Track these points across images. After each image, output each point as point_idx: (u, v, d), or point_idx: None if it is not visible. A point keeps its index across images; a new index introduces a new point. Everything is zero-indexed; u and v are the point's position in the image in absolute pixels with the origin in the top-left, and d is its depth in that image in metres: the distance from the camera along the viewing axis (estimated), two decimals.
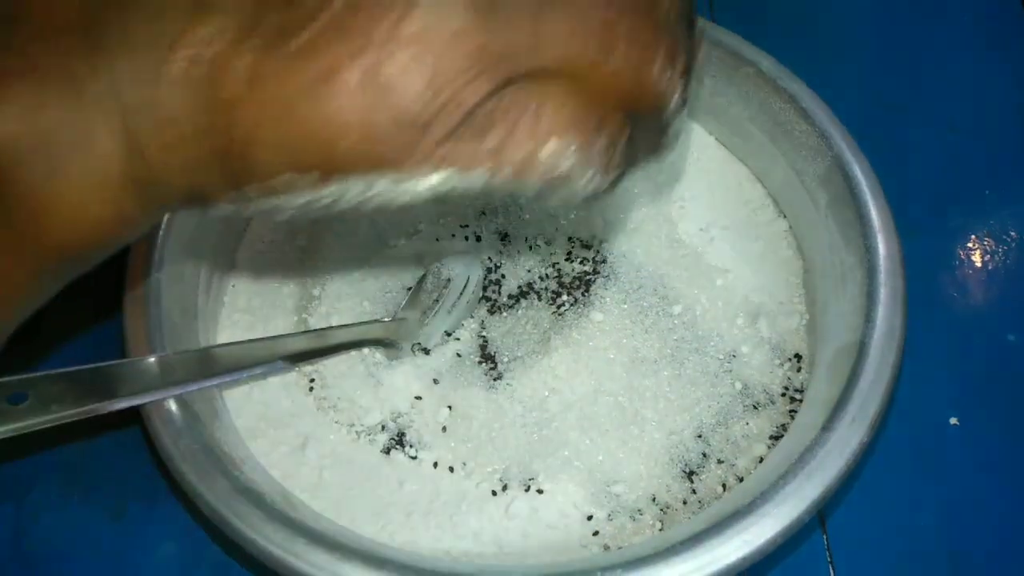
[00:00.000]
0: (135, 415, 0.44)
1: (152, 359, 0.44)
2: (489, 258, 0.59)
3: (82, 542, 0.51)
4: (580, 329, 0.53)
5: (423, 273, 0.56)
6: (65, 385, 0.41)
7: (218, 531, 0.42)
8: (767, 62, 0.56)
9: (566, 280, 0.57)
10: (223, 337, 0.55)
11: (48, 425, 0.40)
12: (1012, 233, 0.62)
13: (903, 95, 0.69)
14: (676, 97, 0.31)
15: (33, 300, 0.33)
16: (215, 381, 0.46)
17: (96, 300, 0.54)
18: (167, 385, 0.43)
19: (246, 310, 0.56)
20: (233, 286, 0.57)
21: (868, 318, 0.45)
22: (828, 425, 0.42)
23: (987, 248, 0.61)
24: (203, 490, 0.41)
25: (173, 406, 0.44)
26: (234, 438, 0.47)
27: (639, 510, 0.48)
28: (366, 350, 0.53)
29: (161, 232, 0.50)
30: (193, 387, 0.45)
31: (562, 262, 0.58)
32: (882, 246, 0.48)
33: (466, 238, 0.60)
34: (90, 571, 0.50)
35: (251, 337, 0.54)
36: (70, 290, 0.34)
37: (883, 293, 0.46)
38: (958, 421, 0.54)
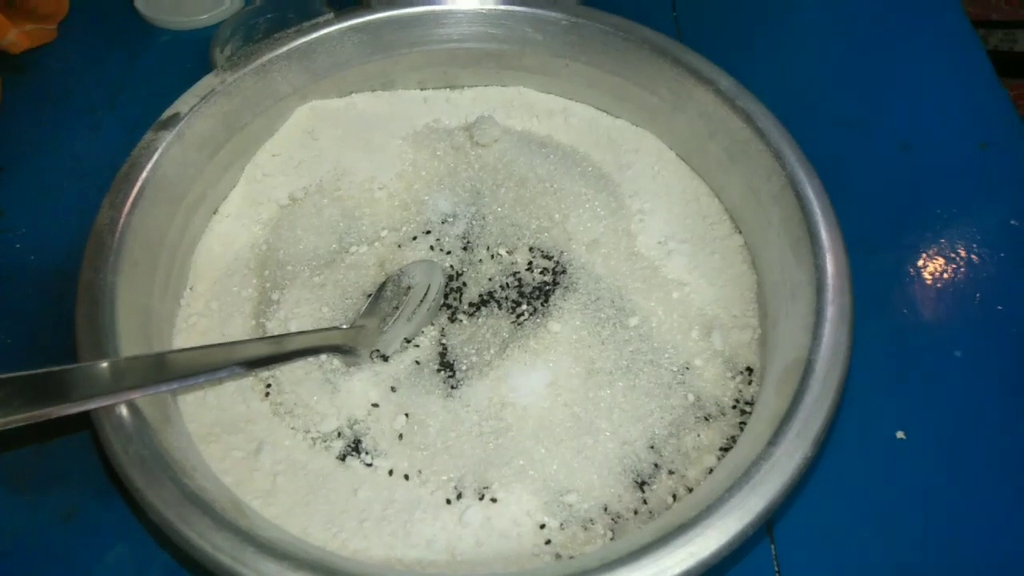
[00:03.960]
0: (87, 418, 0.44)
1: (104, 364, 0.44)
2: (451, 266, 0.59)
3: (31, 543, 0.50)
4: (538, 339, 0.53)
5: (384, 280, 0.57)
6: (12, 389, 0.40)
7: (167, 537, 0.41)
8: (726, 81, 0.57)
9: (526, 290, 0.58)
10: (179, 341, 0.54)
11: None
12: (961, 251, 0.64)
13: (859, 114, 0.71)
14: None
15: None
16: (169, 386, 0.46)
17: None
18: (119, 390, 0.43)
19: (203, 313, 0.56)
20: (191, 289, 0.57)
21: (815, 335, 0.47)
22: (774, 440, 0.43)
23: (936, 265, 0.63)
24: (151, 497, 0.41)
25: (124, 411, 0.43)
26: (186, 444, 0.46)
27: (591, 519, 0.49)
28: (324, 356, 0.53)
29: (117, 233, 0.50)
30: (145, 392, 0.44)
31: (523, 272, 0.59)
32: (831, 265, 0.49)
33: (431, 248, 0.60)
34: (40, 572, 0.50)
35: (207, 341, 0.54)
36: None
37: (830, 311, 0.47)
38: (905, 435, 0.55)
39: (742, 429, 0.51)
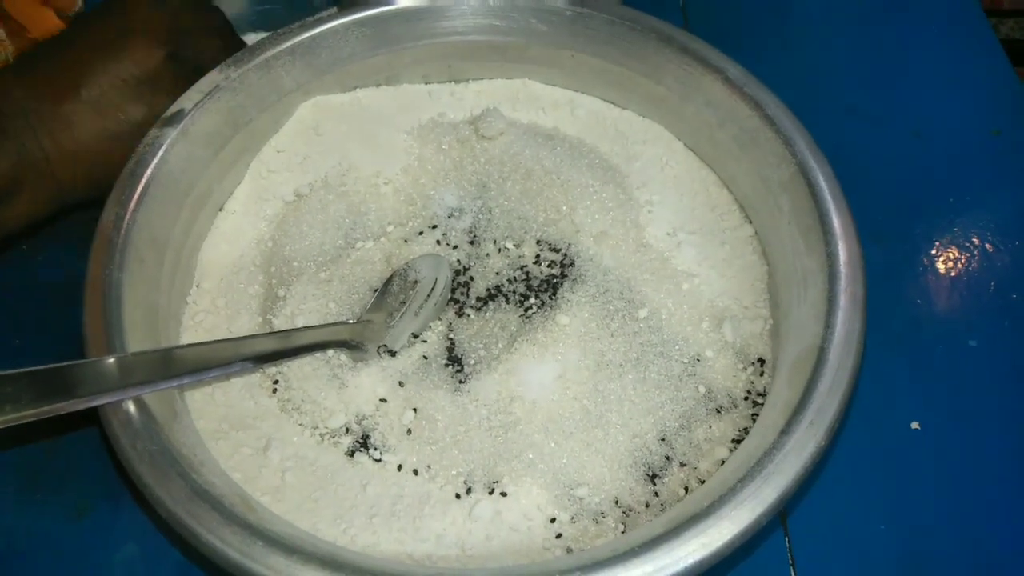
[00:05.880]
0: (95, 414, 0.44)
1: (111, 360, 0.44)
2: (458, 260, 0.59)
3: (43, 541, 0.50)
4: (546, 332, 0.53)
5: (390, 275, 0.56)
6: (21, 385, 0.40)
7: (177, 534, 0.41)
8: (734, 70, 0.57)
9: (534, 283, 0.57)
10: (185, 338, 0.54)
11: (2, 426, 0.39)
12: (974, 239, 0.63)
13: (870, 102, 0.70)
14: None
15: None
16: (176, 382, 0.46)
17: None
18: (126, 386, 0.43)
19: (210, 310, 0.56)
20: (197, 286, 0.57)
21: (828, 324, 0.46)
22: (786, 429, 0.43)
23: (950, 254, 0.62)
24: (160, 493, 0.41)
25: (131, 408, 0.43)
26: (194, 440, 0.46)
27: (602, 513, 0.48)
28: (331, 352, 0.53)
29: (122, 230, 0.50)
30: (154, 388, 0.44)
31: (530, 265, 0.58)
32: (843, 252, 0.48)
33: (437, 242, 0.60)
34: (51, 570, 0.50)
35: (214, 338, 0.54)
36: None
37: (843, 299, 0.47)
38: (919, 425, 0.54)
39: (754, 421, 0.51)
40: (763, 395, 0.52)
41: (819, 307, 0.47)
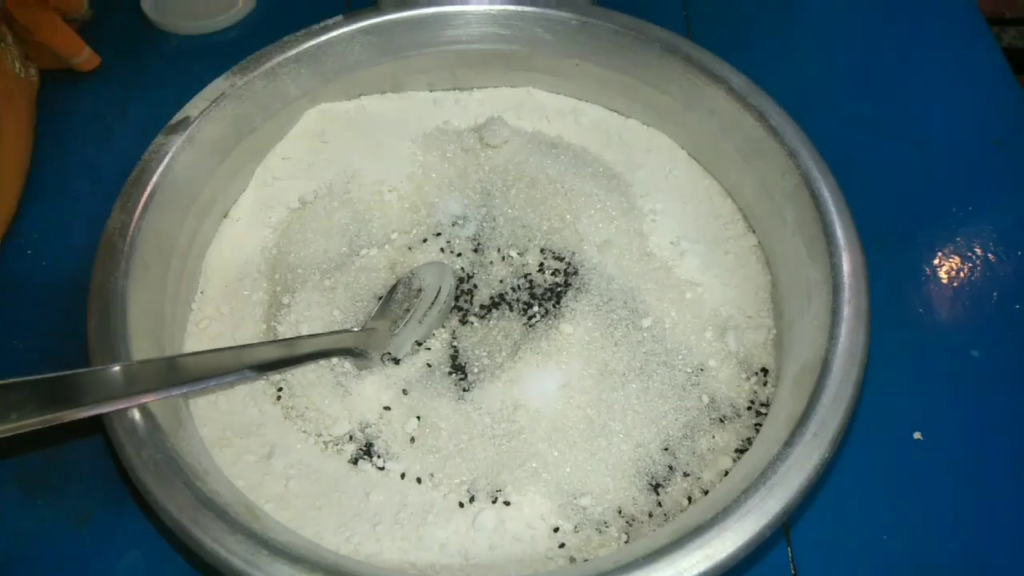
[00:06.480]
0: (100, 422, 0.44)
1: (116, 368, 0.44)
2: (461, 268, 0.59)
3: (46, 547, 0.50)
4: (550, 341, 0.53)
5: (394, 282, 0.56)
6: (26, 393, 0.40)
7: (180, 541, 0.41)
8: (738, 80, 0.57)
9: (538, 291, 0.57)
10: (190, 345, 0.54)
11: (7, 434, 0.39)
12: (977, 250, 0.63)
13: (872, 112, 0.70)
14: None
15: None
16: (180, 390, 0.46)
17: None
18: (131, 394, 0.43)
19: (214, 318, 0.56)
20: (202, 293, 0.57)
21: (831, 335, 0.46)
22: (790, 440, 0.43)
23: (952, 265, 0.62)
24: (164, 500, 0.41)
25: (136, 416, 0.43)
26: (198, 448, 0.46)
27: (605, 522, 0.48)
28: (335, 359, 0.53)
29: (128, 237, 0.50)
30: (158, 396, 0.44)
31: (534, 273, 0.58)
32: (846, 264, 0.48)
33: (442, 250, 0.60)
34: None
35: (218, 345, 0.54)
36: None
37: (847, 311, 0.47)
38: (922, 436, 0.54)
39: (757, 431, 0.51)
40: (766, 405, 0.52)
41: (823, 318, 0.47)
